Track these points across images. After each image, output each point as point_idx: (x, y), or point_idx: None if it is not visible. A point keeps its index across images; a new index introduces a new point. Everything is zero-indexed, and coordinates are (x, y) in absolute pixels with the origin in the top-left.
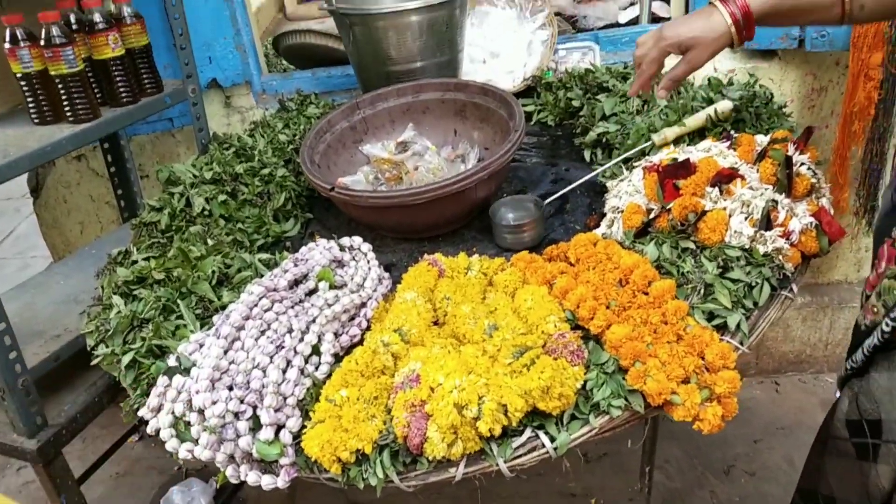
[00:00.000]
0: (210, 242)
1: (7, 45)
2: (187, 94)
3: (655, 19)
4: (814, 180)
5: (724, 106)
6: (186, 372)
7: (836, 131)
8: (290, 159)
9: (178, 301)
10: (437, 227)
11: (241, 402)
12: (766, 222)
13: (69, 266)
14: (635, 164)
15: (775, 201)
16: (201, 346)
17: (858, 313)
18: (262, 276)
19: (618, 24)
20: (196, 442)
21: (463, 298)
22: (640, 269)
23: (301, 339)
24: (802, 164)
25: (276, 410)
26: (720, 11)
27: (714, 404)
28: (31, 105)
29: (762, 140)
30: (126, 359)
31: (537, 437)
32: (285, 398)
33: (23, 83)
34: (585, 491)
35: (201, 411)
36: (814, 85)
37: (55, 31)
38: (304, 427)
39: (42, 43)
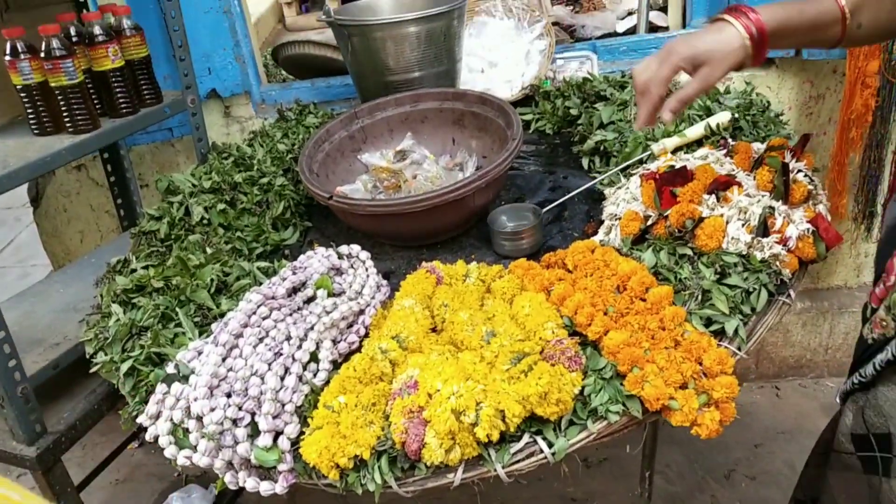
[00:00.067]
0: (209, 251)
1: (8, 58)
2: (186, 104)
3: (653, 28)
4: (810, 187)
5: (722, 117)
6: (185, 379)
7: (833, 138)
8: (288, 168)
9: (177, 309)
10: (435, 234)
11: (240, 408)
12: (763, 229)
13: (69, 274)
14: (633, 171)
15: (772, 208)
16: (200, 353)
17: (864, 327)
18: (260, 284)
19: (615, 34)
20: (194, 448)
21: (461, 305)
22: (637, 276)
23: (299, 347)
24: (799, 171)
25: (275, 417)
26: (734, 25)
27: (712, 409)
28: (31, 116)
29: (759, 147)
30: (125, 366)
31: (535, 442)
32: (283, 405)
33: (23, 95)
34: (586, 496)
35: (199, 418)
36: (811, 92)
37: (55, 43)
38: (302, 433)
39: (42, 55)
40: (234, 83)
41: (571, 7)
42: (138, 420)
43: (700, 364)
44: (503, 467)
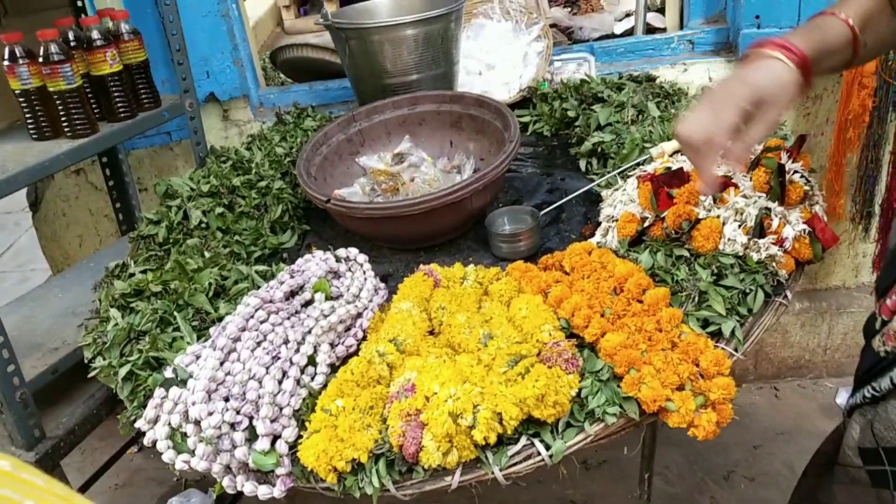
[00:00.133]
0: (207, 255)
1: (6, 63)
2: (185, 108)
3: (650, 30)
4: (807, 188)
5: None
6: (183, 383)
7: (831, 139)
8: (286, 172)
9: (175, 313)
10: (433, 237)
11: (238, 412)
12: (760, 230)
13: (68, 279)
14: (630, 173)
15: (768, 209)
16: (198, 357)
17: (875, 339)
18: (258, 287)
19: (613, 35)
20: (192, 453)
21: (458, 308)
22: (634, 278)
23: (297, 350)
24: (795, 171)
25: (272, 421)
26: (780, 59)
27: (709, 411)
28: (29, 121)
29: (755, 148)
30: (123, 371)
31: (532, 444)
32: (281, 409)
33: (21, 100)
34: (585, 498)
35: (198, 422)
36: (808, 93)
37: (53, 48)
38: (300, 437)
39: (41, 60)
40: (233, 87)
41: (569, 9)
42: (136, 424)
43: (697, 365)
44: (500, 470)
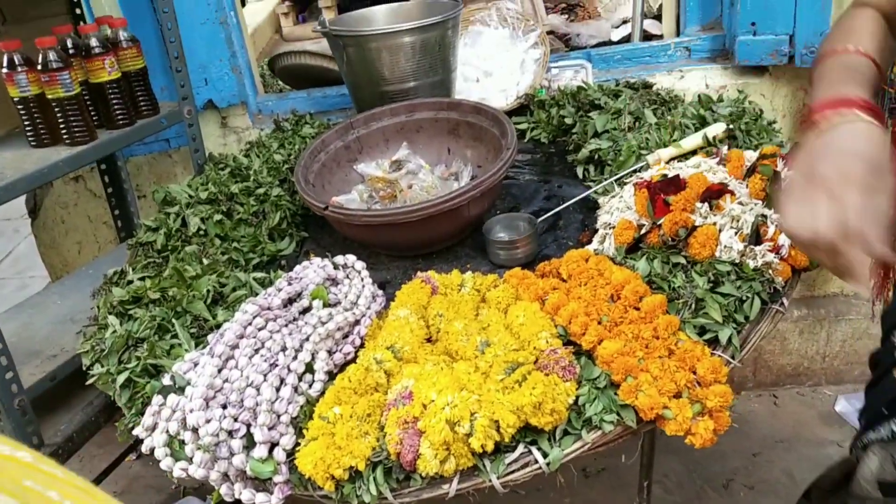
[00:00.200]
0: (205, 262)
1: (4, 71)
2: (183, 115)
3: (647, 37)
4: None
5: (717, 129)
6: (181, 391)
7: None
8: (285, 179)
9: (173, 320)
10: (431, 244)
11: (235, 420)
12: (756, 237)
13: (66, 286)
14: (627, 180)
15: (764, 216)
16: (196, 364)
17: None
18: (256, 294)
19: (610, 42)
20: (190, 460)
21: (456, 315)
22: (631, 285)
23: (295, 358)
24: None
25: (270, 428)
26: (863, 118)
27: (706, 418)
28: (28, 128)
29: (751, 156)
30: (121, 378)
31: (530, 452)
32: (279, 416)
33: (20, 107)
34: None
35: (195, 430)
36: (805, 100)
37: (52, 56)
38: (297, 445)
39: (39, 67)
40: (231, 94)
41: (566, 16)
42: (134, 432)
43: (694, 373)
44: (498, 478)
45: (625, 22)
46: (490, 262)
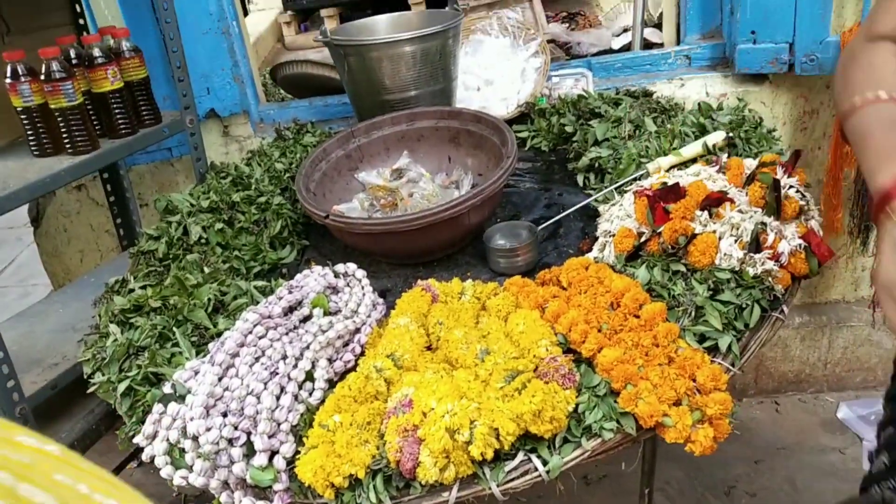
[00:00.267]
0: (207, 270)
1: (8, 81)
2: (185, 124)
3: (647, 45)
4: (802, 203)
5: (717, 137)
6: (181, 399)
7: (828, 153)
8: (286, 187)
9: (174, 329)
10: (431, 252)
11: (236, 428)
12: (756, 245)
13: (68, 294)
14: (627, 188)
15: (764, 224)
16: (196, 373)
17: None
18: (257, 303)
19: (611, 51)
20: (190, 469)
21: (456, 323)
22: (631, 293)
23: (295, 366)
24: (791, 186)
25: (270, 436)
26: None
27: (706, 426)
28: (31, 138)
29: (751, 164)
30: (122, 386)
31: (530, 460)
32: (279, 424)
33: (23, 117)
34: None
35: (195, 438)
36: (805, 108)
37: (55, 66)
38: (297, 453)
39: (42, 77)
40: (233, 103)
41: (567, 24)
42: (135, 440)
43: (694, 381)
44: (498, 485)
45: (625, 30)
46: (490, 270)
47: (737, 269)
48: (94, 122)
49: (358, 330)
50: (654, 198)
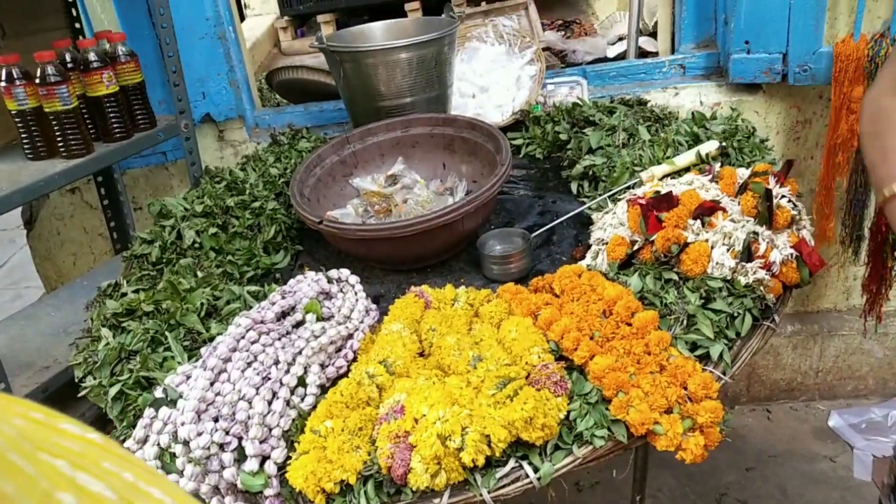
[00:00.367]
0: (200, 275)
1: (3, 84)
2: (180, 129)
3: (642, 54)
4: (794, 212)
5: (710, 146)
6: (173, 403)
7: (820, 163)
8: (280, 192)
9: (167, 333)
10: (425, 258)
11: (227, 433)
12: (748, 254)
13: (60, 297)
14: (621, 197)
15: (756, 233)
16: (188, 377)
17: None
18: (250, 308)
19: (606, 59)
20: (181, 473)
21: (449, 330)
22: (623, 301)
23: (287, 371)
24: (783, 196)
25: (261, 442)
26: None
27: (696, 434)
28: (25, 141)
29: (743, 173)
30: (113, 390)
31: (521, 467)
32: (270, 429)
33: (17, 120)
34: None
35: (186, 443)
36: (798, 117)
37: (50, 69)
38: (288, 458)
39: (37, 81)
40: (229, 108)
41: (562, 33)
42: (126, 444)
43: (685, 389)
44: (489, 492)
45: (620, 39)
46: (484, 277)
47: (729, 277)
48: (89, 126)
49: (351, 336)
50: (647, 206)
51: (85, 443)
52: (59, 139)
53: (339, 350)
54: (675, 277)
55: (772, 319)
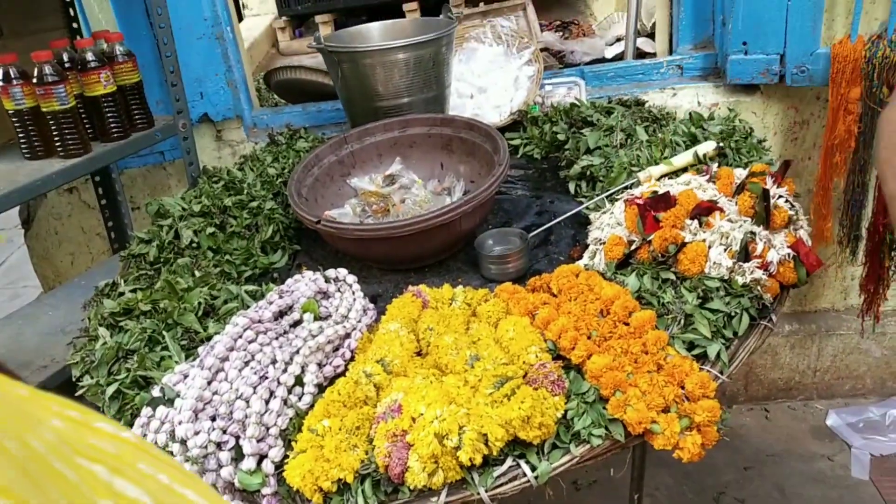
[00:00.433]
0: (197, 274)
1: (0, 83)
2: (177, 129)
3: (640, 55)
4: (791, 212)
5: (708, 146)
6: (170, 403)
7: (818, 163)
8: (278, 192)
9: (164, 332)
10: (423, 258)
11: (224, 432)
12: (745, 254)
13: (58, 297)
14: (618, 197)
15: (753, 233)
16: (185, 377)
17: None
18: (248, 307)
19: (604, 60)
20: None
21: (446, 329)
22: (621, 300)
23: (284, 370)
24: (780, 196)
25: (259, 441)
26: None
27: (694, 433)
28: (22, 140)
29: (741, 173)
30: (110, 390)
31: (518, 466)
32: (268, 428)
33: (14, 119)
34: None
35: (184, 441)
36: (796, 118)
37: (47, 69)
38: (286, 457)
39: (35, 81)
40: (226, 108)
41: (560, 33)
42: None
43: (682, 388)
44: (486, 491)
45: (618, 40)
46: (481, 277)
47: (726, 277)
48: (87, 126)
49: (348, 335)
50: (645, 206)
51: (120, 442)
52: (56, 139)
53: (336, 349)
54: (673, 277)
55: (769, 319)
